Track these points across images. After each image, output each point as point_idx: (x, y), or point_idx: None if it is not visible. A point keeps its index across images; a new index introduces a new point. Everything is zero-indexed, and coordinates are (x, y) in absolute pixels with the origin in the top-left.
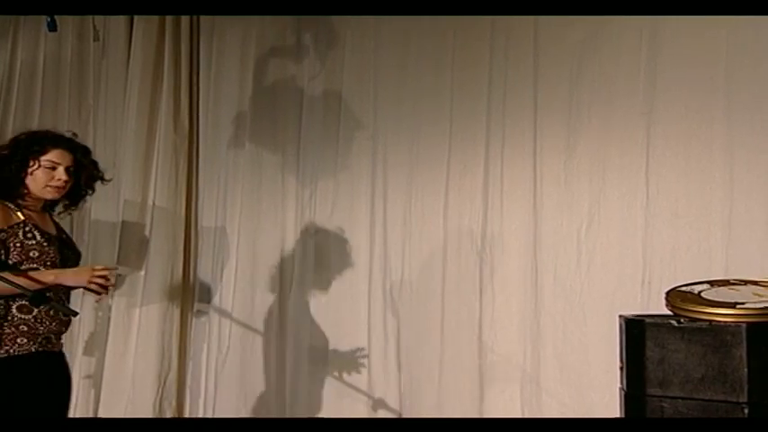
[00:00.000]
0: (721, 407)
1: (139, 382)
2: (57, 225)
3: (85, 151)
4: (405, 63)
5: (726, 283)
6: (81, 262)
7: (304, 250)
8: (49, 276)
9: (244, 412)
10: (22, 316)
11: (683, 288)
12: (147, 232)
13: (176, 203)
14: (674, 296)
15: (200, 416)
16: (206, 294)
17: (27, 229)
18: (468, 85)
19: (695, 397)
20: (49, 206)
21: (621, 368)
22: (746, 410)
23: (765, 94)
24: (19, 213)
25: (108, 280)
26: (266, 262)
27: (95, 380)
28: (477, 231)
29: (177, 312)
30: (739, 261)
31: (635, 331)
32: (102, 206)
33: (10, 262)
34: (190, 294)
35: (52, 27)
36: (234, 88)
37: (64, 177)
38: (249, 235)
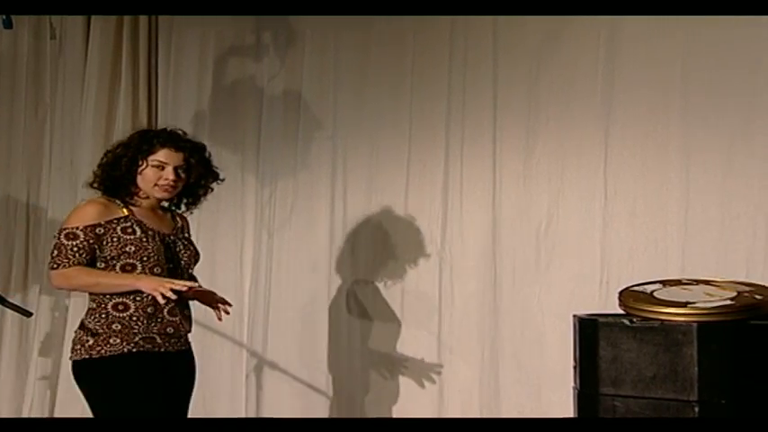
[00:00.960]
0: (672, 405)
1: None
2: (178, 226)
3: (195, 150)
4: (365, 63)
5: (678, 282)
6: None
7: (263, 250)
8: (129, 279)
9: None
10: (117, 314)
11: (636, 288)
12: None
13: None
14: (626, 296)
15: None
16: None
17: (128, 224)
18: (428, 86)
19: (647, 395)
20: (171, 204)
21: (575, 367)
22: (697, 409)
23: (720, 96)
24: (124, 209)
25: (176, 293)
26: (225, 261)
27: (51, 381)
28: (437, 231)
29: None
30: (695, 261)
31: (588, 331)
32: (59, 205)
33: (106, 255)
34: None
35: (8, 25)
36: (193, 87)
37: (171, 177)
38: (208, 234)
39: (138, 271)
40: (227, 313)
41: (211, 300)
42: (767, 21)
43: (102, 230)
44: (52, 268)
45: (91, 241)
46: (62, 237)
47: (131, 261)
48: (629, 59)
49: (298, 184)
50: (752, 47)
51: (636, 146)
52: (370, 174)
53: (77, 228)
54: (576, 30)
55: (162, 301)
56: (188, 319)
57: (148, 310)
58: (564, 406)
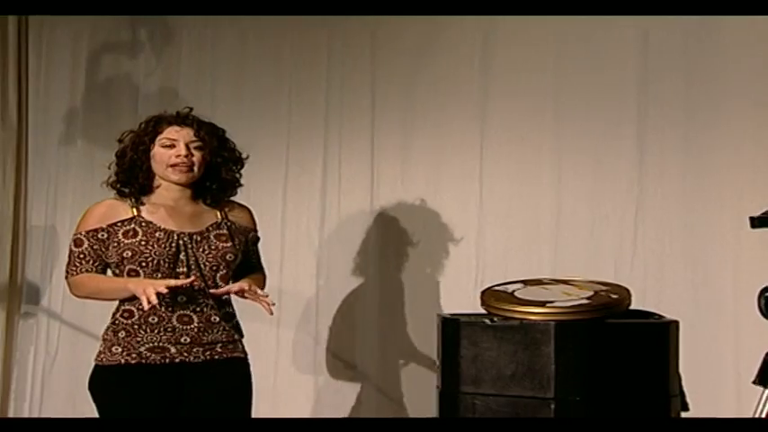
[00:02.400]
0: (530, 403)
1: None
2: (217, 221)
3: (204, 124)
4: (243, 61)
5: (538, 282)
6: None
7: None
8: (123, 282)
9: (72, 416)
10: (124, 321)
11: (498, 287)
12: None
13: (3, 202)
14: (488, 295)
15: None
16: (34, 296)
17: (130, 227)
18: (306, 86)
19: (505, 393)
20: (206, 198)
21: (438, 367)
22: (553, 406)
23: (590, 100)
24: (132, 209)
25: (158, 294)
26: None
27: None
28: (315, 230)
29: (3, 315)
30: (567, 260)
31: (450, 330)
32: None
33: (110, 261)
34: (17, 296)
35: None
36: (65, 84)
37: (183, 152)
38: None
39: (140, 277)
40: (272, 304)
41: (254, 296)
42: (633, 23)
43: (106, 235)
44: (66, 277)
45: (95, 247)
46: (72, 243)
47: (133, 266)
48: (503, 63)
49: None
50: (619, 50)
51: (510, 148)
52: (247, 173)
53: (81, 233)
54: (453, 33)
55: (146, 306)
56: (218, 325)
57: (150, 318)
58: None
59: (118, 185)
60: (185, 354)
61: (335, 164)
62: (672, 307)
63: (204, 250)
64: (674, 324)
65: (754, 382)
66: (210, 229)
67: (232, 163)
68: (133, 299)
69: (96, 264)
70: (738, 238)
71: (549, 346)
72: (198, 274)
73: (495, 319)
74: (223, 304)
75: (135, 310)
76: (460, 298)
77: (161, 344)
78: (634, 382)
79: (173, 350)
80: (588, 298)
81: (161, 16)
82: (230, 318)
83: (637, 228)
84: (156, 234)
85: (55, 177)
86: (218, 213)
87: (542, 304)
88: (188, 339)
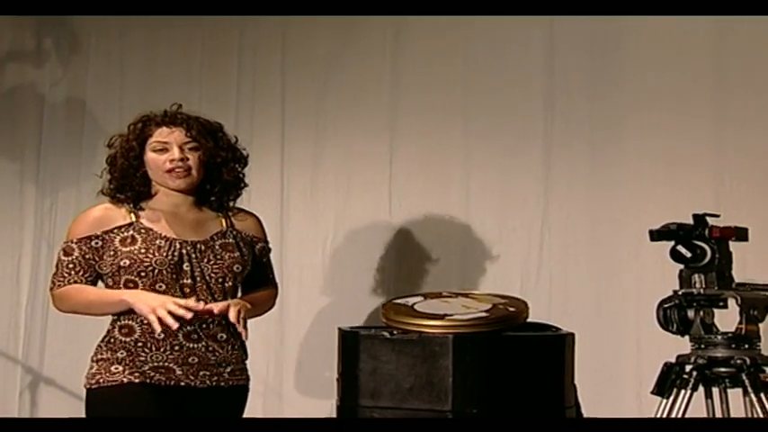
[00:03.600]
0: (427, 416)
1: None
2: (223, 229)
3: (194, 121)
4: (152, 70)
5: (438, 295)
6: None
7: (42, 262)
8: (122, 295)
9: None
10: (123, 339)
11: (399, 300)
12: None
13: None
14: (388, 309)
15: None
16: None
17: (128, 233)
18: (217, 95)
19: (403, 407)
20: (210, 203)
21: (338, 380)
22: (450, 418)
23: (497, 116)
24: (131, 215)
25: (179, 318)
26: (0, 274)
27: None
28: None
29: None
30: (474, 273)
31: (349, 343)
32: None
33: (104, 271)
34: None
35: None
36: None
37: (177, 155)
38: None
39: (139, 288)
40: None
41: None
42: (541, 41)
43: (100, 242)
44: (50, 289)
45: (87, 256)
46: (60, 252)
47: (130, 277)
48: (413, 78)
49: (81, 194)
50: (525, 68)
51: (420, 160)
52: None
53: (72, 241)
54: (363, 45)
55: (158, 330)
56: (226, 344)
57: (156, 335)
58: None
59: (113, 192)
60: (191, 377)
61: (245, 172)
62: (576, 317)
63: (210, 260)
64: (570, 336)
65: (652, 392)
66: (215, 238)
67: (233, 162)
68: (130, 312)
69: (86, 275)
70: (640, 250)
71: (447, 359)
72: (204, 286)
73: (395, 332)
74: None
75: (136, 326)
76: (370, 309)
77: (166, 363)
78: (530, 393)
79: (178, 372)
80: (486, 311)
81: (67, 23)
82: (238, 335)
83: (543, 240)
84: (158, 242)
85: None
86: (224, 221)
87: (441, 317)
88: (195, 360)
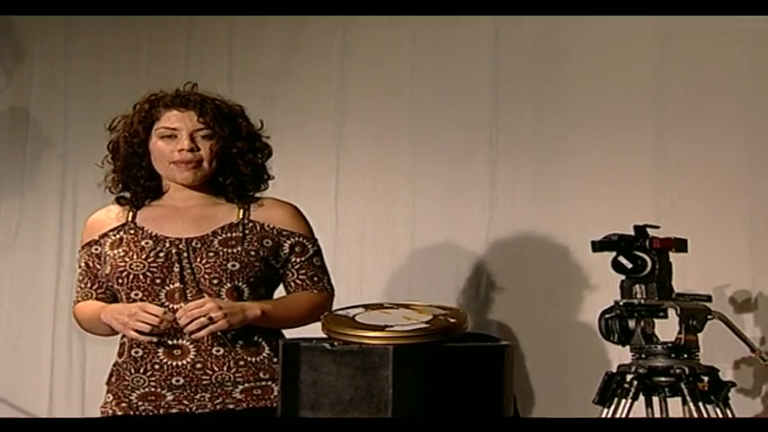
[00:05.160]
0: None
1: None
2: (237, 221)
3: (208, 105)
4: (97, 76)
5: (380, 306)
6: None
7: None
8: (99, 313)
9: None
10: (117, 360)
11: (340, 312)
12: None
13: None
14: (329, 320)
15: None
16: None
17: (117, 236)
18: None
19: (343, 418)
20: (227, 196)
21: (278, 391)
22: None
23: (444, 126)
24: (129, 213)
25: (151, 325)
26: None
27: None
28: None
29: None
30: (420, 283)
31: (290, 355)
32: None
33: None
34: None
35: None
36: None
37: (186, 146)
38: None
39: (121, 297)
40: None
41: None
42: (485, 53)
43: (99, 248)
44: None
45: (90, 264)
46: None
47: (115, 285)
48: (360, 86)
49: (24, 204)
50: (471, 80)
51: (366, 170)
52: (102, 193)
53: (79, 249)
54: (310, 53)
55: (145, 340)
56: (227, 359)
57: (133, 352)
58: None
59: (117, 188)
60: (185, 402)
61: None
62: (520, 328)
63: (202, 259)
64: (510, 347)
65: (593, 402)
66: (219, 232)
67: (251, 153)
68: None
69: (95, 287)
70: (582, 261)
71: (388, 370)
72: (194, 290)
73: (336, 343)
74: (245, 329)
75: (125, 343)
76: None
77: (151, 387)
78: (470, 404)
79: (168, 396)
80: (427, 322)
81: (10, 32)
82: (255, 345)
83: (487, 251)
84: (142, 242)
85: None
86: (240, 212)
87: (381, 328)
88: (180, 380)
